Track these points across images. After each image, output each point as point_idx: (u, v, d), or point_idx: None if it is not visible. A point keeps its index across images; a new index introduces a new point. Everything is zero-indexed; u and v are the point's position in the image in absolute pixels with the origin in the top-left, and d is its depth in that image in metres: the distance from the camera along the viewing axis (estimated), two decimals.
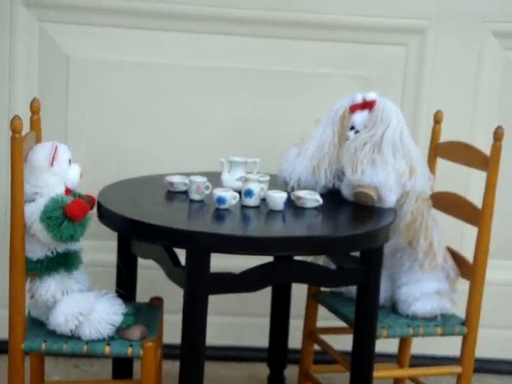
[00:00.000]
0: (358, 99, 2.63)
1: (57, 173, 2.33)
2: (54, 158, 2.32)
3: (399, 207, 2.59)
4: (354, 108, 2.63)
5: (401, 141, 2.58)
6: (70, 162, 2.38)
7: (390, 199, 2.54)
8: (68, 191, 2.36)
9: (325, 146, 2.63)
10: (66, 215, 2.22)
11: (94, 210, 2.44)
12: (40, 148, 2.36)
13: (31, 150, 2.34)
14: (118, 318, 2.35)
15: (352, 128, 2.63)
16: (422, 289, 2.66)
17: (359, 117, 2.62)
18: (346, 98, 2.66)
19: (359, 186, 2.54)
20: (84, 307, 2.31)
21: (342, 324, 2.72)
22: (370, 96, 2.62)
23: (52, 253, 2.31)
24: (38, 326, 2.40)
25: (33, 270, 2.31)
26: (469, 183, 3.21)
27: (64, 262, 2.34)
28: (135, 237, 2.49)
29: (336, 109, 2.65)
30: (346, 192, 2.60)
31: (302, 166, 2.63)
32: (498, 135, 2.59)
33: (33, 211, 2.26)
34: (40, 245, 2.30)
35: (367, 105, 2.61)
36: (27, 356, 2.43)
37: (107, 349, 2.32)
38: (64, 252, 2.34)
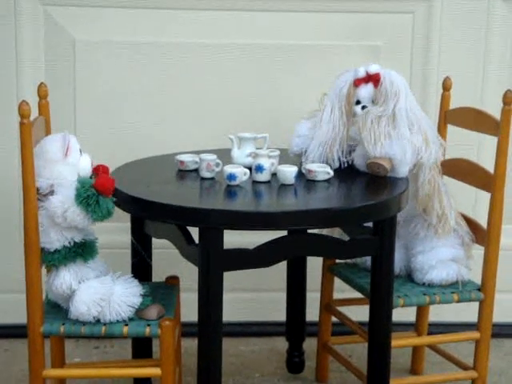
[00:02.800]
0: (361, 73, 2.60)
1: (71, 163, 2.34)
2: (67, 149, 2.33)
3: (415, 178, 2.58)
4: (357, 82, 2.61)
5: (412, 111, 2.56)
6: (80, 151, 2.39)
7: (403, 170, 2.53)
8: None
9: (335, 127, 2.61)
10: (98, 191, 2.25)
11: None
12: (51, 140, 2.36)
13: (40, 144, 2.35)
14: (137, 300, 2.36)
15: (358, 102, 2.61)
16: (438, 256, 2.66)
17: (364, 91, 2.60)
18: (348, 73, 2.64)
19: (372, 157, 2.53)
20: (103, 292, 2.33)
21: (358, 295, 2.72)
22: (373, 69, 2.59)
23: (69, 243, 2.33)
24: (56, 308, 2.42)
25: (51, 261, 2.33)
26: (480, 149, 3.19)
27: (81, 251, 2.35)
28: (148, 217, 2.50)
29: (340, 86, 2.63)
30: (359, 162, 2.59)
31: (315, 152, 2.60)
32: (507, 99, 2.57)
33: (62, 200, 2.27)
34: (58, 235, 2.31)
35: (371, 78, 2.59)
36: (47, 339, 2.46)
37: (125, 329, 2.34)
38: (81, 241, 2.35)
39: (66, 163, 2.33)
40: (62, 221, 2.28)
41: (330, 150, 2.59)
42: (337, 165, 2.60)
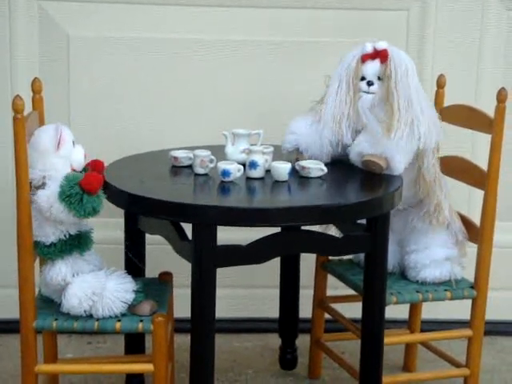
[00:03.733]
0: (369, 49, 2.59)
1: (63, 155, 2.34)
2: (59, 140, 2.32)
3: (420, 163, 2.57)
4: (364, 58, 2.59)
5: (420, 91, 2.55)
6: (73, 143, 2.39)
7: (399, 168, 2.53)
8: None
9: (342, 102, 2.58)
10: (83, 190, 2.23)
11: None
12: (43, 132, 2.36)
13: (34, 135, 2.34)
14: (130, 296, 2.36)
15: (363, 78, 2.60)
16: (431, 256, 2.67)
17: (370, 67, 2.58)
18: (354, 49, 2.62)
19: (368, 155, 2.53)
20: (96, 286, 2.33)
21: (351, 292, 2.73)
22: (381, 45, 2.57)
23: (65, 235, 2.33)
24: (49, 304, 2.42)
25: (47, 254, 2.33)
26: (474, 146, 3.20)
27: (77, 243, 2.35)
28: (141, 213, 2.50)
29: (348, 61, 2.60)
30: (354, 158, 2.59)
31: (327, 130, 2.58)
32: (501, 96, 2.57)
33: (48, 195, 2.27)
34: (53, 229, 2.31)
35: (378, 54, 2.58)
36: (40, 334, 2.45)
37: (118, 325, 2.34)
38: (76, 233, 2.35)
39: (58, 155, 2.33)
40: (49, 216, 2.28)
41: (339, 125, 2.58)
42: (345, 140, 2.56)
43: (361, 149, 2.56)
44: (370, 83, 2.57)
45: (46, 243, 2.32)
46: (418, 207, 2.67)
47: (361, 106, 2.57)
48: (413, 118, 2.50)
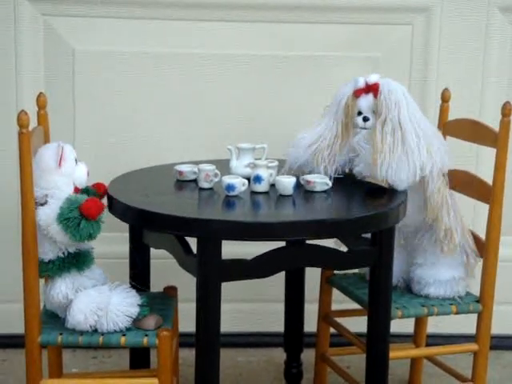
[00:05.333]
0: (361, 83, 2.60)
1: (65, 173, 2.34)
2: (61, 158, 2.33)
3: (423, 189, 2.57)
4: (357, 93, 2.60)
5: (416, 120, 2.56)
6: (76, 161, 2.39)
7: (401, 187, 2.52)
8: (77, 190, 2.37)
9: (325, 140, 2.60)
10: (82, 215, 2.23)
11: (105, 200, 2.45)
12: (45, 150, 2.37)
13: (37, 153, 2.35)
14: (135, 310, 2.36)
15: (359, 113, 2.61)
16: (436, 275, 2.65)
17: (364, 101, 2.60)
18: (348, 84, 2.63)
19: (369, 177, 2.53)
20: (100, 301, 2.32)
21: (356, 306, 2.72)
22: (372, 79, 2.59)
23: (63, 253, 2.33)
24: (54, 318, 2.41)
25: (45, 272, 2.33)
26: (479, 160, 3.20)
27: (75, 261, 2.35)
28: (146, 227, 2.50)
29: (339, 98, 2.62)
30: (357, 175, 2.59)
31: (299, 158, 2.60)
32: (506, 110, 2.57)
33: (48, 214, 2.27)
34: (51, 246, 2.31)
35: (370, 88, 2.59)
36: (45, 349, 2.45)
37: (123, 339, 2.34)
38: (75, 252, 2.35)
39: (60, 173, 2.33)
40: (46, 234, 2.28)
41: (317, 161, 2.58)
42: (322, 175, 2.57)
43: (360, 169, 2.57)
44: (365, 119, 2.58)
45: (44, 260, 2.32)
46: (427, 230, 2.66)
47: (356, 141, 2.58)
48: (406, 150, 2.49)
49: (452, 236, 2.61)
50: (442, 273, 2.65)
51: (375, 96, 2.58)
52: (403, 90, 2.59)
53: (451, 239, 2.61)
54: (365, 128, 2.59)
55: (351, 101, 2.60)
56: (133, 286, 2.56)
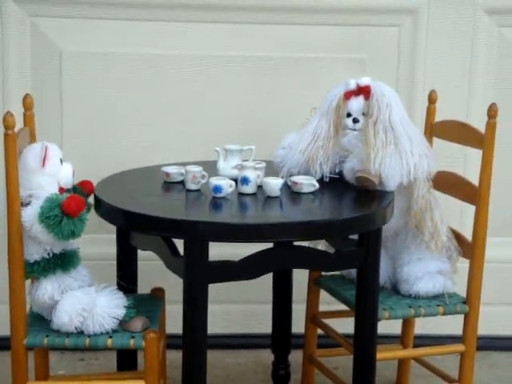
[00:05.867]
0: (352, 85, 2.61)
1: (49, 173, 2.33)
2: (44, 158, 2.32)
3: (407, 193, 2.58)
4: (348, 95, 2.61)
5: (406, 123, 2.57)
6: (61, 161, 2.38)
7: (392, 185, 2.53)
8: (62, 190, 2.36)
9: (319, 139, 2.61)
10: (63, 212, 2.23)
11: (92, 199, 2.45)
12: (30, 150, 2.36)
13: (22, 154, 2.34)
14: (121, 312, 2.36)
15: (349, 115, 2.62)
16: (425, 268, 2.67)
17: (355, 103, 2.61)
18: (339, 86, 2.64)
19: (361, 171, 2.53)
20: (86, 303, 2.32)
21: (344, 307, 2.72)
22: (364, 81, 2.60)
23: (48, 254, 2.32)
24: (40, 320, 2.41)
25: (30, 273, 2.33)
26: (466, 161, 3.21)
27: (61, 262, 2.34)
28: (133, 229, 2.50)
29: (330, 99, 2.63)
30: (348, 175, 2.59)
31: (293, 161, 2.61)
32: (492, 112, 2.59)
33: (30, 214, 2.26)
34: (36, 247, 2.30)
35: (362, 90, 2.60)
36: (31, 351, 2.44)
37: (109, 341, 2.33)
38: (60, 252, 2.35)
39: (44, 173, 2.32)
40: (31, 234, 2.28)
41: (312, 161, 2.59)
42: (318, 177, 2.58)
43: (352, 165, 2.57)
44: (355, 120, 2.59)
45: (29, 261, 2.32)
46: (410, 231, 2.67)
47: (347, 141, 2.58)
48: (400, 150, 2.51)
49: (439, 236, 2.62)
50: (429, 265, 2.67)
51: (366, 98, 2.58)
52: (394, 95, 2.60)
53: (438, 238, 2.62)
54: (354, 129, 2.60)
55: (342, 102, 2.60)
56: (120, 286, 2.56)
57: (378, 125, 2.53)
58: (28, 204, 2.29)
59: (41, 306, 2.37)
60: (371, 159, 2.49)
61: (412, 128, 2.60)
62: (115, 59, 3.14)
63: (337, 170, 2.62)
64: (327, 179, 2.58)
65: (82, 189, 2.42)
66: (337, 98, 2.62)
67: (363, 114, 2.60)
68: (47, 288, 2.32)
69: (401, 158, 2.51)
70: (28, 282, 2.38)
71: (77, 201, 2.24)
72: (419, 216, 2.60)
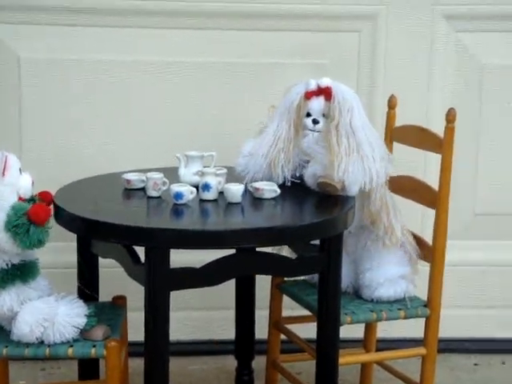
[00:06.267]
0: (313, 86, 2.61)
1: (9, 183, 2.30)
2: (4, 167, 2.29)
3: (366, 195, 2.59)
4: (309, 95, 2.62)
5: (367, 127, 2.58)
6: (20, 170, 2.36)
7: (354, 190, 2.54)
8: (21, 200, 2.33)
9: (280, 141, 2.61)
10: (30, 220, 2.21)
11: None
12: None
13: None
14: (82, 321, 2.33)
15: (308, 115, 2.62)
16: (386, 274, 2.68)
17: (315, 103, 2.61)
18: (299, 85, 2.64)
19: (323, 177, 2.54)
20: (46, 312, 2.29)
21: (307, 312, 2.73)
22: (325, 82, 2.60)
23: (7, 265, 2.29)
24: None
25: None
26: (426, 166, 3.23)
27: (19, 273, 2.31)
28: (93, 237, 2.48)
29: (291, 99, 2.63)
30: (309, 180, 2.60)
31: (256, 166, 2.60)
32: (450, 117, 2.61)
33: None
34: None
35: (322, 91, 2.60)
36: None
37: (70, 351, 2.31)
38: (19, 263, 2.32)
39: (4, 183, 2.30)
40: None
41: (274, 164, 2.59)
42: (280, 182, 2.59)
43: (314, 170, 2.58)
44: (315, 121, 2.60)
45: None
46: (368, 229, 2.69)
47: (306, 145, 2.59)
48: (362, 156, 2.52)
49: (393, 231, 2.64)
50: (390, 270, 2.68)
51: (326, 99, 2.59)
52: (355, 96, 2.61)
53: (392, 233, 2.63)
54: (314, 130, 2.61)
55: (302, 102, 2.60)
56: (81, 294, 2.54)
57: (341, 130, 2.53)
58: None
59: (0, 318, 2.34)
60: (335, 167, 2.49)
61: (372, 132, 2.61)
62: (73, 65, 3.11)
63: (297, 174, 2.62)
64: (289, 183, 2.59)
65: (40, 199, 2.40)
66: (298, 97, 2.61)
67: (323, 114, 2.60)
68: (5, 300, 2.29)
69: (363, 164, 2.52)
70: None
71: (44, 209, 2.23)
72: (375, 215, 2.62)
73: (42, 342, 2.31)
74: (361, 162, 2.51)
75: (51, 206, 2.39)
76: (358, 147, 2.53)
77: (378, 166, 2.54)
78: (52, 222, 2.29)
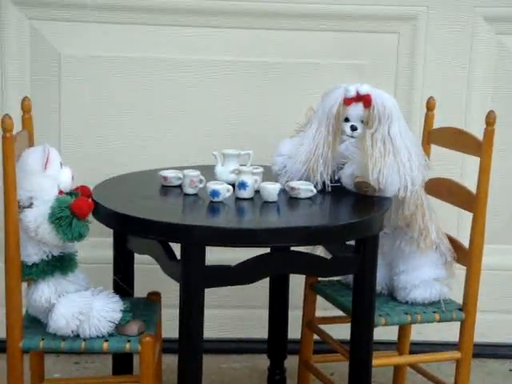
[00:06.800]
0: (352, 93, 2.59)
1: (50, 176, 2.34)
2: (47, 161, 2.32)
3: (401, 199, 2.57)
4: (348, 102, 2.60)
5: (405, 135, 2.56)
6: (61, 164, 2.39)
7: (391, 190, 2.53)
8: (61, 193, 2.36)
9: (319, 147, 2.60)
10: (73, 213, 2.23)
11: None
12: (31, 153, 2.36)
13: (22, 156, 2.35)
14: (117, 316, 2.35)
15: (347, 120, 2.62)
16: (421, 276, 2.66)
17: (354, 110, 2.60)
18: (337, 90, 2.63)
19: (361, 176, 2.53)
20: (82, 306, 2.31)
21: (340, 313, 2.72)
22: (364, 89, 2.58)
23: (47, 256, 2.32)
24: (36, 323, 2.40)
25: (28, 275, 2.32)
26: (464, 168, 3.21)
27: (59, 265, 2.34)
28: (130, 233, 2.50)
29: (330, 105, 2.61)
30: (346, 181, 2.59)
31: (294, 171, 2.60)
32: (490, 119, 2.59)
33: (36, 215, 2.27)
34: (35, 249, 2.30)
35: (361, 98, 2.59)
36: (27, 354, 2.44)
37: (105, 345, 2.33)
38: (59, 255, 2.34)
39: (45, 176, 2.33)
40: (35, 235, 2.27)
41: (313, 170, 2.59)
42: (319, 187, 2.58)
43: (352, 170, 2.57)
44: (353, 127, 2.59)
45: (27, 263, 2.31)
46: (403, 231, 2.67)
47: (344, 148, 2.59)
48: (398, 162, 2.51)
49: (427, 233, 2.62)
50: (425, 273, 2.67)
51: (365, 106, 2.58)
52: (395, 104, 2.60)
53: (427, 235, 2.62)
54: (352, 137, 2.60)
55: (341, 108, 2.60)
56: (118, 286, 2.56)
57: (377, 135, 2.53)
58: (29, 206, 2.29)
59: (37, 309, 2.37)
60: (369, 169, 2.48)
61: (410, 138, 2.59)
62: (113, 62, 3.14)
63: (336, 178, 2.62)
64: (329, 188, 2.58)
65: (80, 194, 2.42)
66: (337, 103, 2.61)
67: (362, 121, 2.60)
68: (44, 291, 2.32)
69: (399, 170, 2.51)
70: (24, 284, 2.37)
71: (86, 202, 2.26)
72: (410, 218, 2.60)
73: (77, 336, 2.33)
74: (396, 167, 2.50)
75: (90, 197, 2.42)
76: (395, 153, 2.52)
77: (415, 173, 2.53)
78: (90, 219, 2.31)
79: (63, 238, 2.25)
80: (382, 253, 2.66)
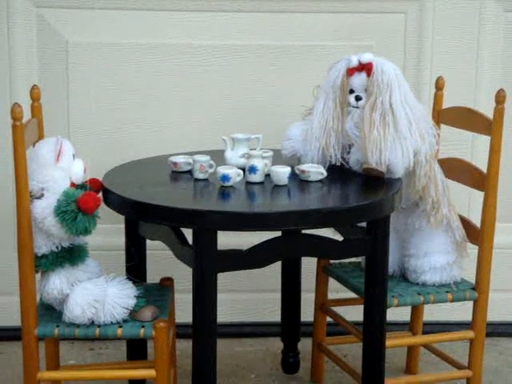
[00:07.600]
0: (354, 62, 2.58)
1: (63, 167, 2.34)
2: (59, 152, 2.33)
3: (412, 172, 2.56)
4: (351, 71, 2.59)
5: (407, 103, 2.54)
6: (73, 156, 2.39)
7: (399, 171, 2.52)
8: (73, 185, 2.37)
9: (329, 121, 2.60)
10: (79, 208, 2.23)
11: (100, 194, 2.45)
12: (43, 144, 2.37)
13: (34, 147, 2.35)
14: (132, 302, 2.36)
15: (351, 91, 2.60)
16: (431, 263, 2.65)
17: (357, 79, 2.58)
18: (341, 61, 2.62)
19: (367, 163, 2.52)
20: (97, 294, 2.32)
21: (353, 295, 2.72)
22: (366, 58, 2.57)
23: (57, 247, 2.33)
24: (50, 310, 2.42)
25: (38, 266, 2.33)
26: (474, 148, 3.20)
27: (69, 256, 2.35)
28: (141, 219, 2.50)
29: (334, 77, 2.61)
30: (355, 167, 2.59)
31: (311, 148, 2.59)
32: (500, 98, 2.57)
33: (44, 207, 2.27)
34: (45, 240, 2.31)
35: (364, 67, 2.58)
36: (42, 341, 2.45)
37: (119, 331, 2.34)
38: (69, 246, 2.35)
39: (58, 167, 2.33)
40: (42, 227, 2.28)
41: (326, 145, 2.59)
42: (334, 161, 2.57)
43: (357, 157, 2.57)
44: (358, 98, 2.58)
45: (37, 254, 2.32)
46: (418, 205, 2.66)
47: (349, 126, 2.58)
48: (399, 137, 2.49)
49: (439, 207, 2.60)
50: (435, 259, 2.66)
51: (368, 75, 2.56)
52: (396, 71, 2.57)
53: (438, 210, 2.60)
54: (357, 107, 2.59)
55: (345, 79, 2.59)
56: (130, 273, 2.57)
57: (377, 110, 2.51)
58: (40, 197, 2.29)
59: (51, 300, 2.38)
60: (369, 157, 2.48)
61: (414, 106, 2.56)
62: (121, 49, 3.13)
63: (345, 156, 2.61)
64: (339, 163, 2.57)
65: (90, 186, 2.43)
66: (340, 74, 2.59)
67: (365, 90, 2.58)
68: (56, 283, 2.33)
69: (402, 147, 2.49)
70: (38, 276, 2.38)
71: (94, 198, 2.26)
72: (422, 191, 2.58)
73: (92, 323, 2.34)
74: (399, 144, 2.49)
75: (100, 194, 2.42)
76: (396, 126, 2.50)
77: (417, 142, 2.50)
78: (101, 210, 2.31)
79: (67, 231, 2.26)
80: (394, 229, 2.64)
